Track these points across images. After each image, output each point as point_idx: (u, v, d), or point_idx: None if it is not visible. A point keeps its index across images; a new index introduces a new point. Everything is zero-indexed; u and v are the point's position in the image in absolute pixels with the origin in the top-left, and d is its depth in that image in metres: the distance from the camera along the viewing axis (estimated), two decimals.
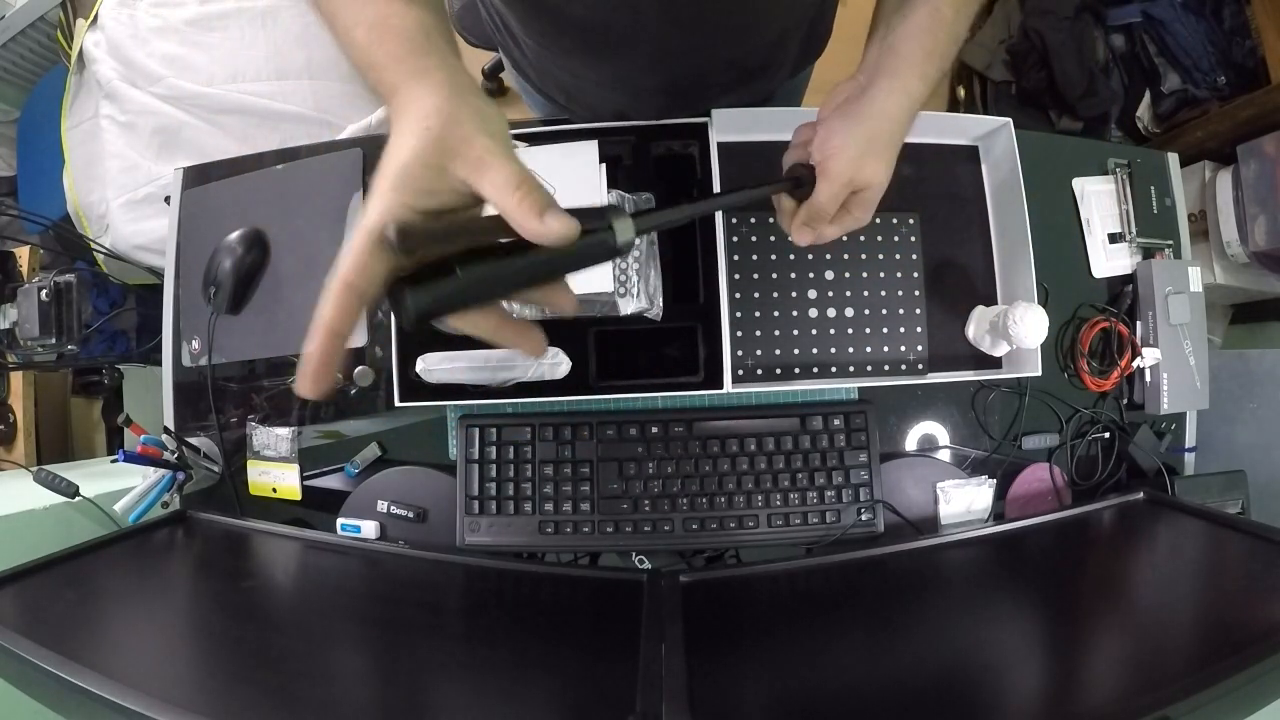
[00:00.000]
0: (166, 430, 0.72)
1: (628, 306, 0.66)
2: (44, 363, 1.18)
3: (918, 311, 0.71)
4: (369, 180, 0.73)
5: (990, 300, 0.72)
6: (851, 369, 0.70)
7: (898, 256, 0.71)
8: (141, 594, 0.57)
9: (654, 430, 0.68)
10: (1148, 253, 0.76)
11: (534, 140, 0.68)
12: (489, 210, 0.33)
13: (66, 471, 0.78)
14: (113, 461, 0.72)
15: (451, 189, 0.33)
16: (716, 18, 0.55)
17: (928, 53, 0.45)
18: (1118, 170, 0.77)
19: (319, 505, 0.73)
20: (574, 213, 0.33)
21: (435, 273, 0.32)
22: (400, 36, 0.35)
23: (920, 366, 0.71)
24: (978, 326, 0.70)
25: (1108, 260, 0.76)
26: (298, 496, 0.73)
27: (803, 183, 0.47)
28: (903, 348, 0.70)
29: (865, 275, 0.71)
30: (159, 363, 0.78)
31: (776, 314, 0.70)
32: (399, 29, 0.35)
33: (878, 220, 0.71)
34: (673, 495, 0.68)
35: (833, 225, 0.48)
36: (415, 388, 0.67)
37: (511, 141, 0.35)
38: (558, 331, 0.68)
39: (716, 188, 0.67)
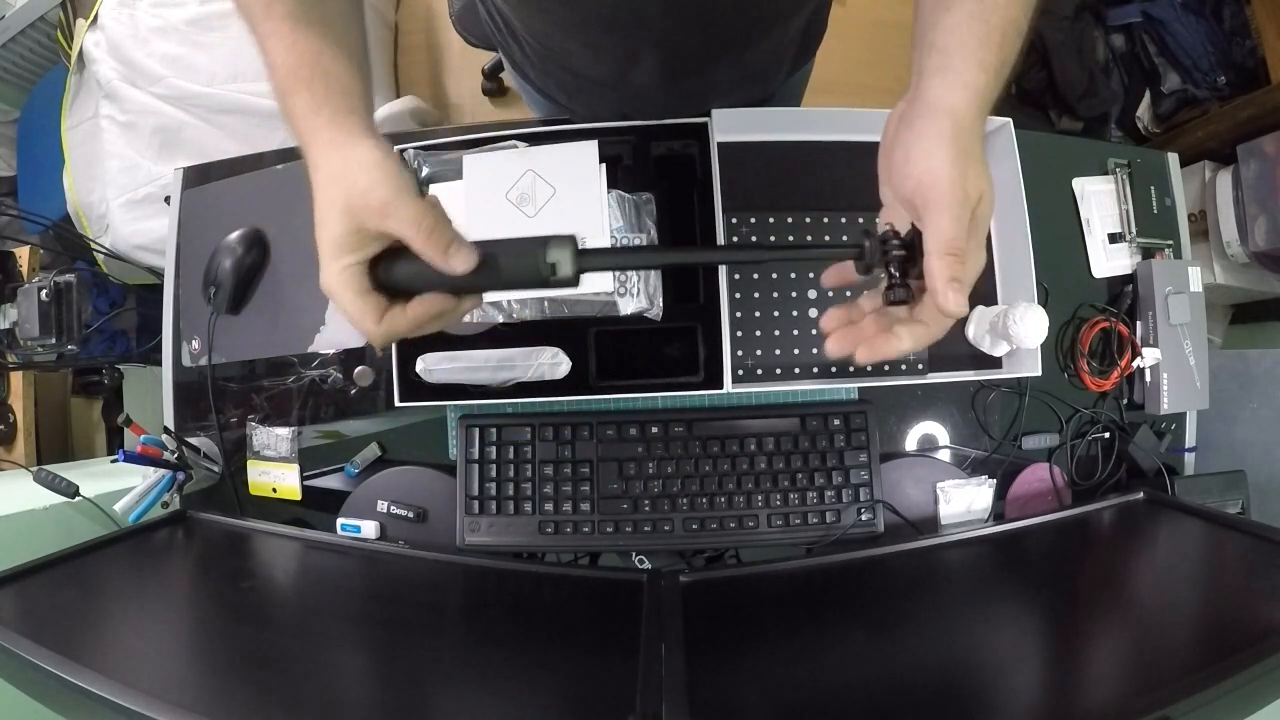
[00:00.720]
0: (166, 430, 0.72)
1: (628, 306, 0.66)
2: (44, 363, 1.18)
3: None
4: None
5: (990, 300, 0.72)
6: (851, 369, 0.70)
7: None
8: (141, 594, 0.57)
9: (654, 430, 0.68)
10: (1148, 253, 0.76)
11: (534, 140, 0.68)
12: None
13: (66, 471, 0.78)
14: (113, 461, 0.72)
15: (377, 237, 0.39)
16: (721, 17, 0.55)
17: (981, 40, 0.38)
18: (1118, 170, 0.77)
19: (319, 505, 0.73)
20: (517, 242, 0.39)
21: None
22: (306, 90, 0.39)
23: (920, 366, 0.71)
24: (978, 326, 0.70)
25: (1108, 260, 0.76)
26: (298, 496, 0.73)
27: (865, 253, 0.39)
28: None
29: None
30: (159, 363, 0.78)
31: (776, 314, 0.70)
32: (307, 81, 0.39)
33: (877, 220, 0.71)
34: (673, 495, 0.68)
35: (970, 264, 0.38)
36: (415, 388, 0.67)
37: (407, 178, 0.39)
38: (558, 331, 0.68)
39: (717, 189, 0.67)
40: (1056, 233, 0.75)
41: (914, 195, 0.38)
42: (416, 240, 0.38)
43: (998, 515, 0.73)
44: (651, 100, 0.67)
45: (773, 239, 0.70)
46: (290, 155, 0.77)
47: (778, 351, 0.70)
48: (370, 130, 0.40)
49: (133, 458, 0.68)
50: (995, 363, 0.71)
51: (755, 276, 0.70)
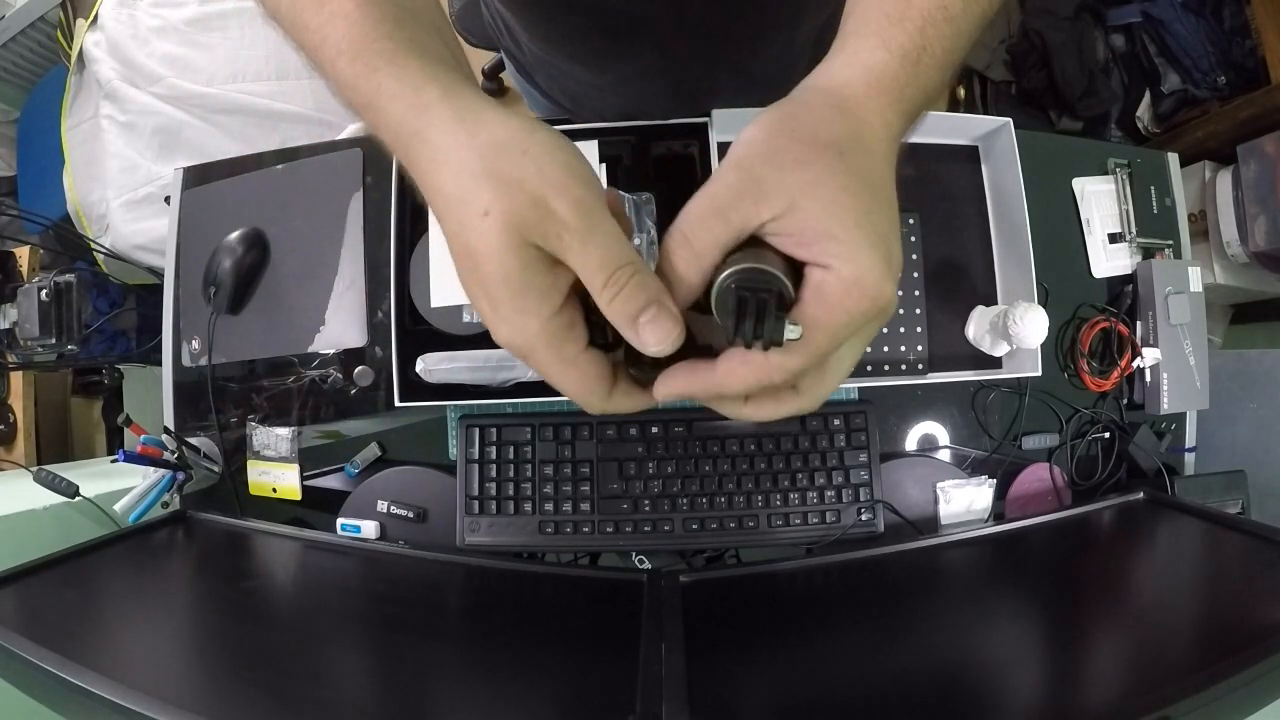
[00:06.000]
0: (166, 430, 0.72)
1: None
2: (44, 363, 1.18)
3: (918, 311, 0.71)
4: (368, 180, 0.73)
5: (990, 300, 0.72)
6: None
7: None
8: (141, 594, 0.57)
9: (654, 430, 0.68)
10: (1148, 253, 0.76)
11: None
12: None
13: (66, 471, 0.78)
14: (113, 461, 0.72)
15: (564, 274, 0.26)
16: (723, 22, 0.55)
17: (889, 16, 0.30)
18: (1118, 170, 0.77)
19: (319, 505, 0.73)
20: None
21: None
22: (391, 65, 0.28)
23: (920, 366, 0.70)
24: (978, 326, 0.70)
25: (1108, 260, 0.76)
26: (298, 496, 0.73)
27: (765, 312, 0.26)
28: (903, 348, 0.70)
29: None
30: (159, 363, 0.78)
31: None
32: (389, 53, 0.28)
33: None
34: (673, 495, 0.67)
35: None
36: (415, 388, 0.67)
37: (588, 176, 0.27)
38: None
39: None
40: (1056, 233, 0.75)
41: (799, 240, 0.27)
42: (598, 293, 0.26)
43: (998, 515, 0.72)
44: (655, 106, 0.67)
45: None
46: (290, 155, 0.77)
47: None
48: (499, 105, 0.28)
49: (133, 458, 0.68)
50: (995, 363, 0.71)
51: None
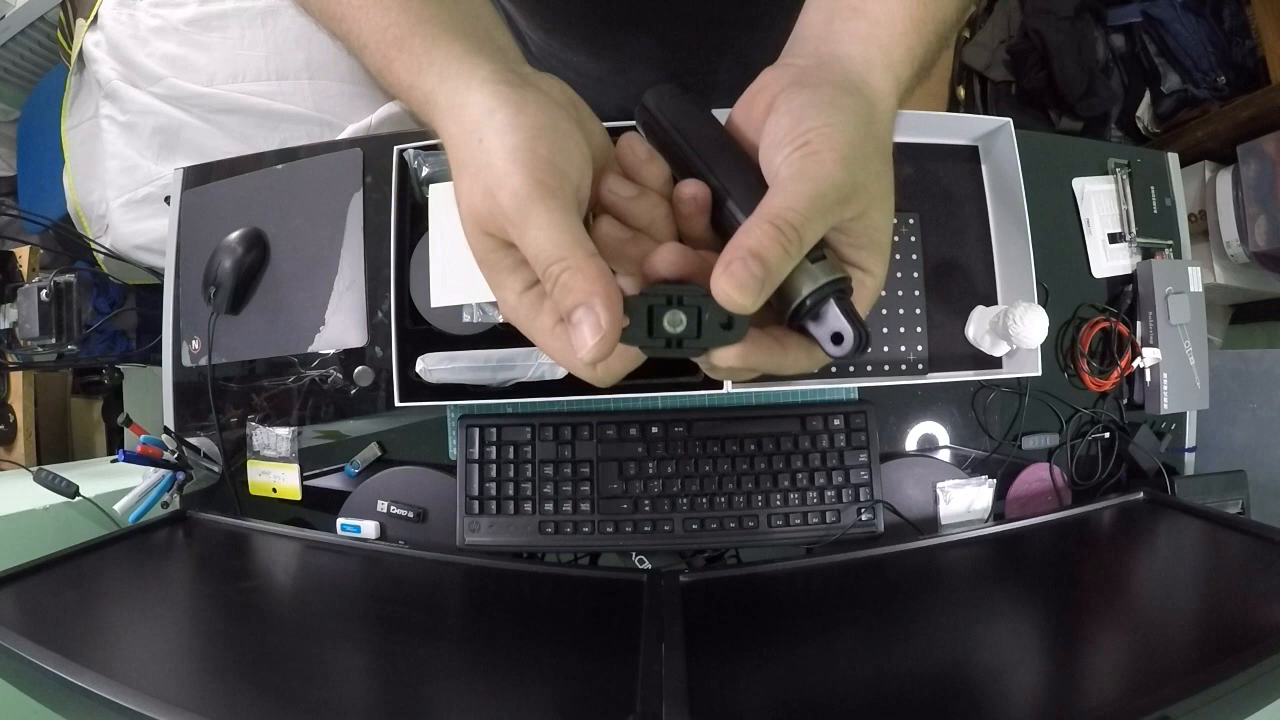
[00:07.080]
0: (166, 430, 0.72)
1: None
2: (44, 363, 1.18)
3: (918, 311, 0.71)
4: (368, 180, 0.73)
5: (990, 300, 0.72)
6: (851, 369, 0.70)
7: (898, 256, 0.71)
8: (141, 594, 0.57)
9: (654, 430, 0.68)
10: (1148, 253, 0.76)
11: None
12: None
13: (66, 471, 0.78)
14: (113, 461, 0.72)
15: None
16: (721, 9, 0.55)
17: (915, 21, 0.30)
18: (1118, 170, 0.77)
19: (319, 505, 0.73)
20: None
21: None
22: (402, 53, 0.29)
23: (920, 366, 0.71)
24: (978, 326, 0.70)
25: (1108, 260, 0.76)
26: (298, 496, 0.73)
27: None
28: (903, 348, 0.70)
29: None
30: (159, 363, 0.78)
31: None
32: (397, 41, 0.29)
33: None
34: (673, 495, 0.67)
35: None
36: (415, 388, 0.67)
37: (525, 152, 0.25)
38: None
39: None
40: (1056, 233, 0.75)
41: (796, 148, 0.26)
42: (546, 287, 0.25)
43: (998, 515, 0.72)
44: None
45: None
46: (290, 155, 0.77)
47: None
48: (500, 75, 0.27)
49: (133, 458, 0.68)
50: (995, 363, 0.71)
51: None
